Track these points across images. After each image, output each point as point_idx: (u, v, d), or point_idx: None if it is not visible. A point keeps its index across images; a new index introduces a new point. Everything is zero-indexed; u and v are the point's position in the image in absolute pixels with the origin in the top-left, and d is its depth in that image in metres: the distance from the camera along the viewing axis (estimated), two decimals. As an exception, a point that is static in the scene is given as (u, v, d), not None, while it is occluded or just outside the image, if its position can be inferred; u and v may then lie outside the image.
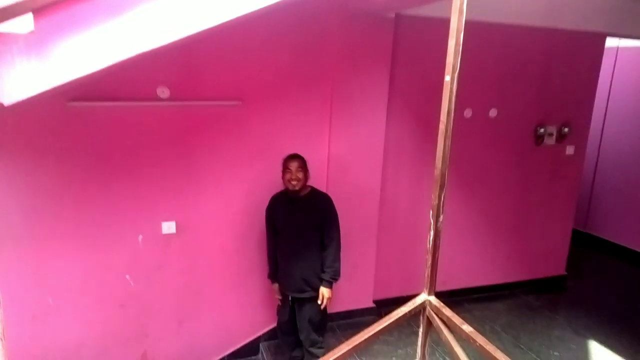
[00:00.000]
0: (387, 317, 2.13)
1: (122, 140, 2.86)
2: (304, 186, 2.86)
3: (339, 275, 2.91)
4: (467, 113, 3.85)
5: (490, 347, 1.77)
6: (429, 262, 2.14)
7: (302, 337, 3.02)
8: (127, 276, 3.07)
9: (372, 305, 3.88)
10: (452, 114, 1.95)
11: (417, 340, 2.22)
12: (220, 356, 3.50)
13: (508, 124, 4.06)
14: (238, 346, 3.53)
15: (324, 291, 2.86)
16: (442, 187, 2.03)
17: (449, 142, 1.99)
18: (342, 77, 3.32)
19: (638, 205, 5.37)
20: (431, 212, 2.08)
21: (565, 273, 4.75)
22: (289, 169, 2.79)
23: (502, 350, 1.68)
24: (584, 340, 3.76)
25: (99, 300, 3.01)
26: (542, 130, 4.14)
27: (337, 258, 2.89)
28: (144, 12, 1.58)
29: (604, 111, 5.73)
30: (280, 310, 3.13)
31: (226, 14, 1.70)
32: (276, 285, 3.07)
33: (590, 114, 4.43)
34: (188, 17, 1.66)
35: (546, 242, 4.57)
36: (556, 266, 4.71)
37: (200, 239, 3.21)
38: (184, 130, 3.00)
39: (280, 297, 3.08)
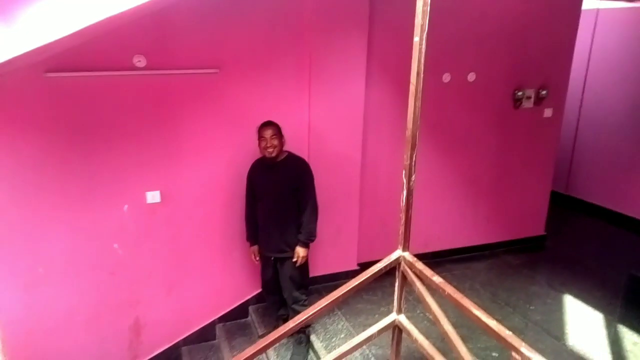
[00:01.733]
0: (363, 273, 2.24)
1: (102, 110, 2.88)
2: (280, 152, 2.92)
3: (314, 236, 3.02)
4: (446, 77, 3.89)
5: (457, 295, 1.88)
6: (403, 220, 2.23)
7: (285, 295, 3.15)
8: (115, 245, 3.14)
9: (356, 267, 4.01)
10: (422, 75, 1.99)
11: (394, 295, 2.33)
12: (211, 319, 3.63)
13: (487, 88, 4.11)
14: (227, 310, 3.67)
15: (299, 250, 2.98)
16: (413, 147, 2.10)
17: (419, 104, 2.04)
18: (320, 42, 3.32)
19: (617, 166, 5.51)
20: (404, 171, 2.15)
21: (545, 233, 4.90)
22: (264, 137, 2.84)
23: (479, 306, 1.79)
24: (559, 294, 3.94)
25: (88, 268, 3.09)
26: (520, 93, 4.20)
27: (311, 220, 3.00)
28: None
29: (584, 74, 5.80)
30: (263, 271, 3.25)
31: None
32: (255, 248, 3.19)
33: (568, 77, 4.48)
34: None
35: (526, 203, 4.70)
36: (535, 226, 4.86)
37: (184, 207, 3.28)
38: (163, 99, 3.02)
39: (257, 259, 3.21)
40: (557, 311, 3.69)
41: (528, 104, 4.29)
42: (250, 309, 3.73)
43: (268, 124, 2.87)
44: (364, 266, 4.12)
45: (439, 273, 2.09)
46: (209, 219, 3.39)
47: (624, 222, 5.36)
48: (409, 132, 2.11)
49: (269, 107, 3.29)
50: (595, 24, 5.56)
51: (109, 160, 2.97)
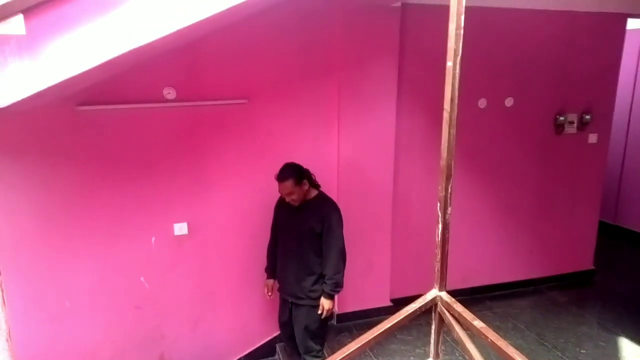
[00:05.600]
0: (396, 315, 2.06)
1: (132, 142, 2.88)
2: (304, 198, 2.74)
3: (340, 286, 2.77)
4: (482, 103, 3.74)
5: (501, 343, 1.68)
6: (439, 257, 2.06)
7: (297, 342, 2.93)
8: (142, 278, 3.09)
9: (389, 304, 3.81)
10: (456, 101, 1.87)
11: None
12: (237, 357, 3.49)
13: (526, 113, 3.93)
14: (254, 347, 3.52)
15: (325, 302, 2.74)
16: (448, 178, 1.95)
17: (453, 131, 1.91)
18: (349, 71, 3.27)
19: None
20: (438, 204, 2.00)
21: (593, 267, 4.56)
22: (280, 191, 2.72)
23: (524, 348, 1.60)
24: (613, 336, 3.59)
25: (114, 302, 3.04)
26: (562, 118, 3.99)
27: (339, 269, 2.74)
28: (134, 8, 1.58)
29: (631, 98, 5.49)
30: (280, 312, 3.07)
31: (217, 5, 1.68)
32: (270, 282, 3.03)
33: (613, 101, 4.24)
34: (180, 9, 1.65)
35: (571, 235, 4.40)
36: (583, 260, 4.52)
37: (212, 239, 3.21)
38: (192, 130, 3.01)
39: (270, 294, 3.03)
40: (612, 355, 3.36)
41: (571, 130, 4.06)
42: (278, 347, 3.57)
43: (281, 179, 2.66)
44: (397, 302, 3.97)
45: (478, 311, 1.92)
46: (236, 251, 3.30)
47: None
48: (443, 162, 1.97)
49: (297, 137, 3.23)
50: (641, 45, 5.30)
51: (137, 192, 2.95)
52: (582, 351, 3.39)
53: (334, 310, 2.89)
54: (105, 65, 1.70)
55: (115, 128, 2.82)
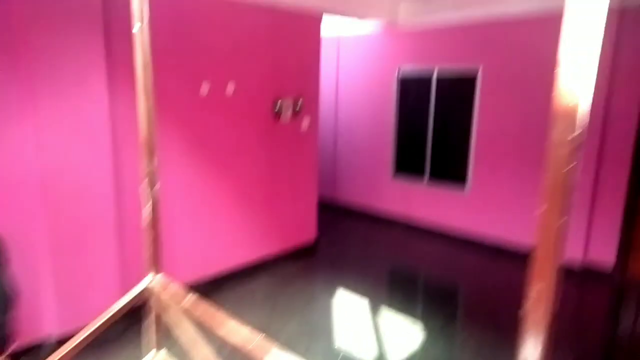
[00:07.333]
0: (104, 314, 1.82)
1: None
2: None
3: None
4: (204, 90, 3.75)
5: (210, 311, 1.66)
6: (151, 238, 1.91)
7: None
8: None
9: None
10: (150, 68, 1.74)
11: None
12: None
13: (248, 101, 4.15)
14: None
15: None
16: (151, 151, 1.82)
17: (151, 102, 1.78)
18: (42, 46, 2.75)
19: (365, 172, 6.37)
20: (146, 180, 1.84)
21: (316, 239, 5.22)
22: None
23: (259, 320, 1.59)
24: (334, 289, 4.19)
25: None
26: (278, 106, 4.39)
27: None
28: None
29: (335, 94, 6.57)
30: None
31: None
32: None
33: (317, 91, 4.89)
34: None
35: (296, 213, 4.92)
36: (308, 233, 5.14)
37: None
38: None
39: None
40: (333, 304, 3.90)
41: (287, 116, 4.52)
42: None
43: None
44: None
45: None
46: None
47: (377, 220, 6.23)
48: (143, 135, 1.82)
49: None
50: (339, 49, 6.37)
51: None
52: (309, 307, 3.83)
53: None
54: None
55: None
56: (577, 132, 0.83)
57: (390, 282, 4.68)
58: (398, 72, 5.78)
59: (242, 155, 4.22)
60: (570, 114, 0.82)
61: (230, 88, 3.95)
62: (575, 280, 4.47)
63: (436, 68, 5.40)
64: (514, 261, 4.86)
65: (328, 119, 6.68)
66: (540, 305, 0.90)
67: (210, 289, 4.01)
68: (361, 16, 4.83)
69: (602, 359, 3.37)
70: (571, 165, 0.84)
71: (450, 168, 5.52)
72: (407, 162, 5.93)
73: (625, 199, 4.29)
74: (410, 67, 5.65)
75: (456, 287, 4.52)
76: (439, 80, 5.42)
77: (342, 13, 4.84)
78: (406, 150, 5.91)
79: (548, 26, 4.34)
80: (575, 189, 0.91)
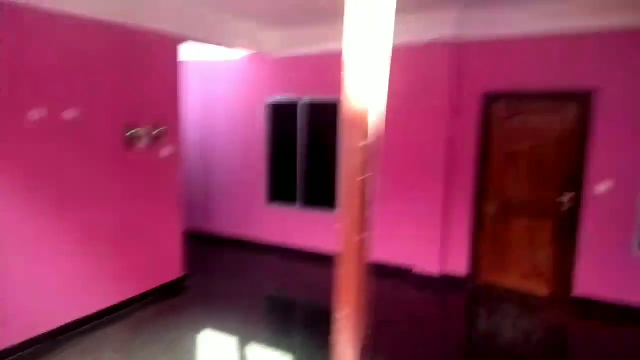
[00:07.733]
0: None
1: None
2: None
3: None
4: (34, 115, 3.26)
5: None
6: None
7: None
8: None
9: None
10: None
11: None
12: None
13: (93, 129, 3.72)
14: None
15: None
16: None
17: None
18: None
19: (239, 200, 6.18)
20: None
21: (183, 274, 4.82)
22: None
23: None
24: (199, 330, 3.85)
25: None
26: (132, 133, 4.02)
27: None
28: None
29: (205, 121, 6.33)
30: None
31: None
32: None
33: (178, 118, 4.60)
34: None
35: (157, 250, 4.50)
36: (172, 270, 4.72)
37: None
38: None
39: None
40: (194, 353, 3.57)
41: (143, 144, 4.15)
42: None
43: None
44: None
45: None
46: None
47: (246, 246, 6.05)
48: None
49: None
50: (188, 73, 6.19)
51: None
52: (170, 358, 3.44)
53: None
54: None
55: None
56: (369, 140, 0.78)
57: (263, 314, 4.48)
58: (267, 100, 5.77)
59: (88, 188, 3.74)
60: (359, 121, 0.77)
61: (69, 114, 3.50)
62: (436, 287, 4.83)
63: (303, 96, 5.50)
64: (392, 279, 5.05)
65: (198, 147, 6.38)
66: (349, 330, 0.83)
67: (49, 348, 3.40)
68: (228, 45, 4.80)
69: (460, 356, 3.60)
70: (366, 175, 0.79)
71: (321, 192, 5.60)
72: (281, 188, 5.89)
73: (471, 211, 4.77)
74: (279, 95, 5.68)
75: (330, 309, 4.49)
76: (305, 107, 5.51)
77: (205, 41, 4.71)
78: (279, 177, 5.88)
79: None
80: (374, 201, 0.87)
